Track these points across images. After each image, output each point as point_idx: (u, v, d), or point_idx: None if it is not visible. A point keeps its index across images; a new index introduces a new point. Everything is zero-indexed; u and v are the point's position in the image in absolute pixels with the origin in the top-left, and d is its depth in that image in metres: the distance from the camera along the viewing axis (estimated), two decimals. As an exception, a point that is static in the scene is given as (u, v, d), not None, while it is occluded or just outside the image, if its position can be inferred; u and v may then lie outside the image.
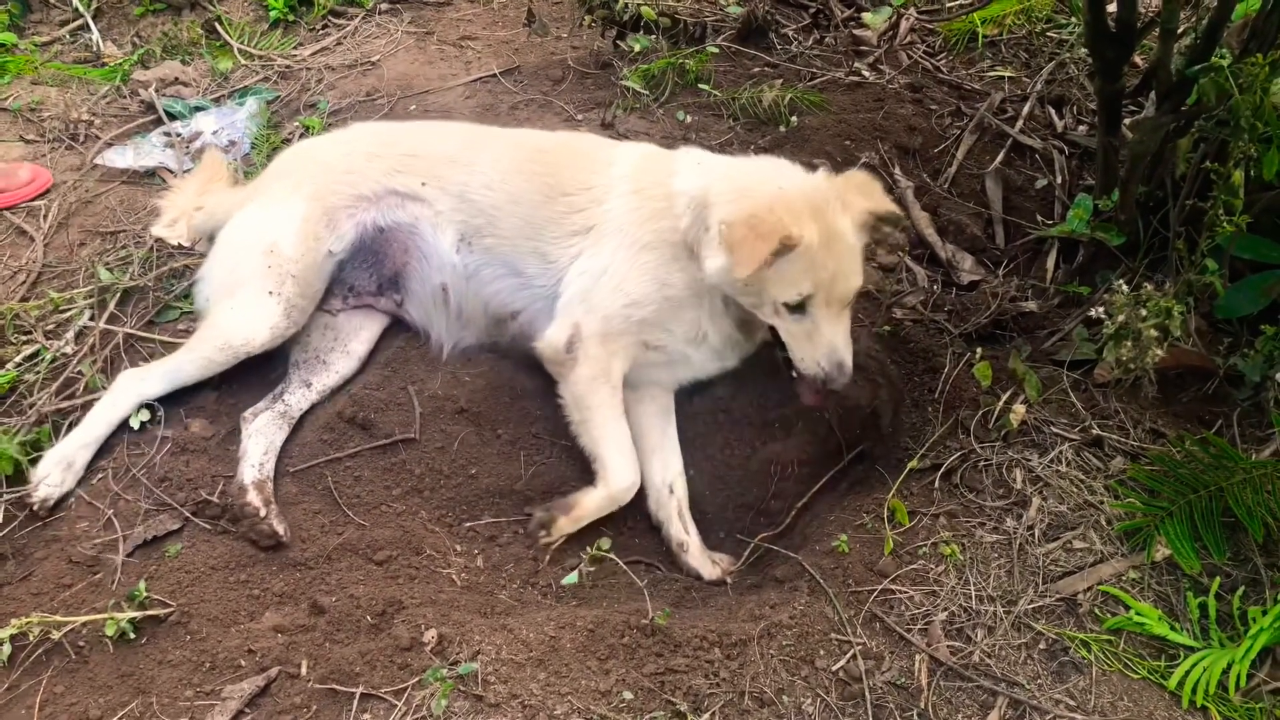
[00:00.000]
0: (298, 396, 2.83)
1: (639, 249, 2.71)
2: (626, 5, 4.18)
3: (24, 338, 2.98)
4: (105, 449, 2.71)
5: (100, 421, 2.70)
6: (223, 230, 2.94)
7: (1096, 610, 2.36)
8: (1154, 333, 2.52)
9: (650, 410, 2.86)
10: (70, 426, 2.73)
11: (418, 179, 2.91)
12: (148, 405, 2.76)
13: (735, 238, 2.43)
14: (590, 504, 2.68)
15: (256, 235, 2.84)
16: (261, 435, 2.71)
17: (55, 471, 2.60)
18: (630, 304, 2.70)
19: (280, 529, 2.53)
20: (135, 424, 2.74)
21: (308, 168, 2.98)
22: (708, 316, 2.73)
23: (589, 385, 2.70)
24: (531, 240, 2.84)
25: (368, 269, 2.96)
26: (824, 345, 2.53)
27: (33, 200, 3.54)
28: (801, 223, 2.43)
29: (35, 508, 2.55)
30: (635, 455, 2.72)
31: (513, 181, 2.87)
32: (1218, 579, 2.41)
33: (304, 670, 2.21)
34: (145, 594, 2.36)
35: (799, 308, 2.51)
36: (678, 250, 2.70)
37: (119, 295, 3.10)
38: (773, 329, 2.63)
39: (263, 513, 2.54)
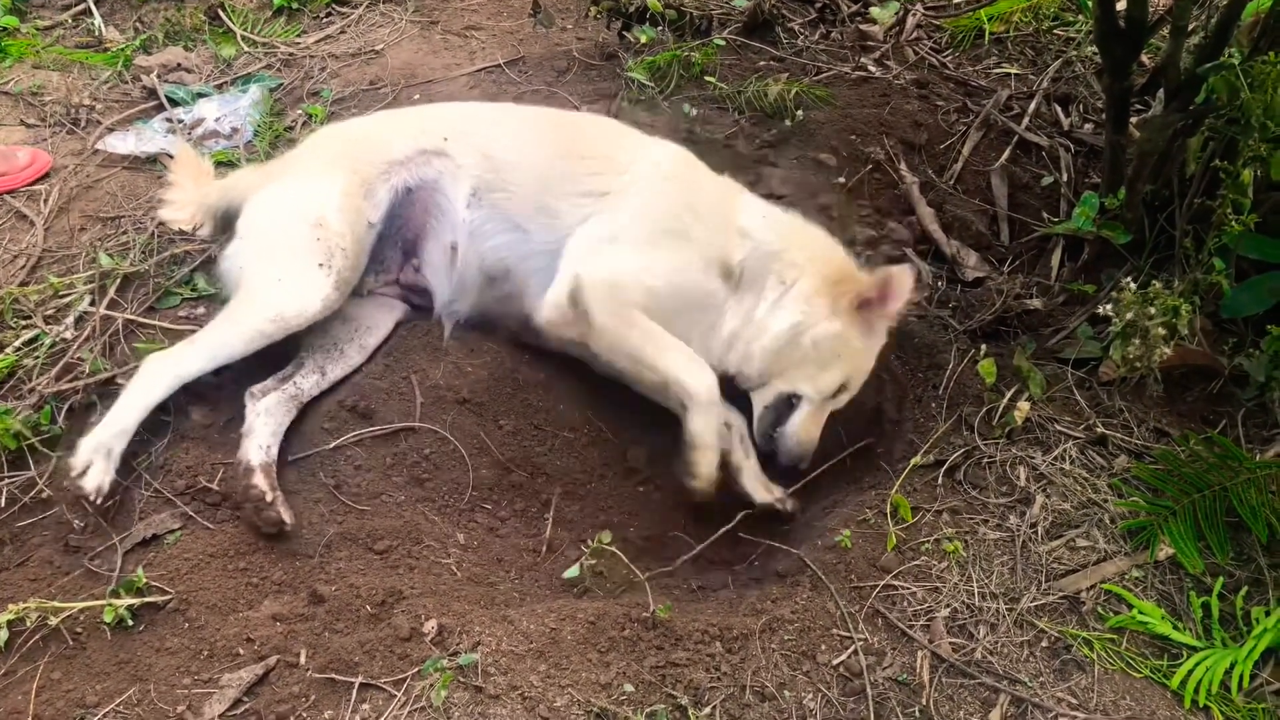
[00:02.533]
0: (310, 382, 2.80)
1: (667, 233, 2.73)
2: (632, -3, 4.16)
3: (23, 322, 2.96)
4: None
5: (134, 408, 2.59)
6: (252, 208, 2.88)
7: (1099, 609, 2.35)
8: (1161, 331, 2.51)
9: None
10: (70, 411, 2.72)
11: (442, 135, 2.93)
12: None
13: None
14: (697, 428, 2.66)
15: (300, 209, 2.79)
16: (270, 416, 2.68)
17: (97, 460, 2.51)
18: (644, 269, 2.71)
19: (286, 516, 2.48)
20: None
21: (342, 143, 2.99)
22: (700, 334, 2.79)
23: (615, 319, 2.69)
24: (540, 195, 2.83)
25: (395, 239, 2.95)
26: (815, 431, 2.79)
27: (32, 184, 3.52)
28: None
29: (90, 498, 2.48)
30: (698, 356, 2.72)
31: (532, 139, 2.91)
32: (1221, 579, 2.40)
33: (303, 659, 2.20)
34: (143, 581, 2.34)
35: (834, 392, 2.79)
36: (713, 263, 2.76)
37: (119, 281, 3.09)
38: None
39: (269, 497, 2.48)
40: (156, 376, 2.64)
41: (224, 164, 3.54)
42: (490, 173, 2.88)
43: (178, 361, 2.66)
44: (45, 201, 3.42)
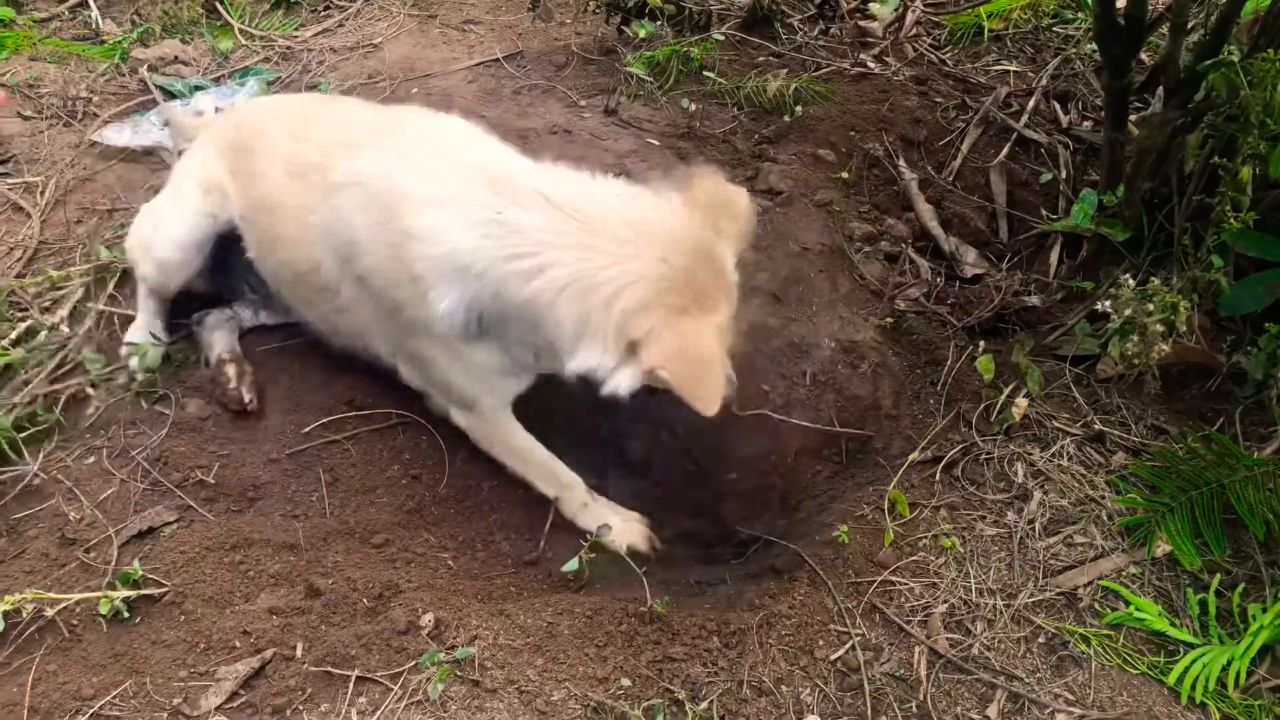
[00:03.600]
0: (248, 314, 3.00)
1: None
2: (632, -8, 4.16)
3: (20, 313, 2.96)
4: (102, 427, 2.69)
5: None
6: None
7: (1096, 605, 2.35)
8: (1159, 327, 2.51)
9: None
10: (68, 403, 2.71)
11: None
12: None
13: (684, 379, 2.05)
14: (587, 523, 2.67)
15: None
16: (222, 329, 2.91)
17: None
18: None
19: (248, 397, 2.73)
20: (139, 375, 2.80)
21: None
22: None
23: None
24: None
25: None
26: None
27: None
28: (714, 302, 2.13)
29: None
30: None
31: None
32: (1218, 576, 2.40)
33: (299, 652, 2.19)
34: (139, 573, 2.33)
35: None
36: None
37: (119, 275, 3.08)
38: None
39: (234, 382, 2.74)
40: None
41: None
42: None
43: None
44: (42, 194, 3.41)
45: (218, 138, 2.89)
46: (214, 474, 2.60)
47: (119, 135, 3.70)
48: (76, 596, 2.28)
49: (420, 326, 2.35)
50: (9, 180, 3.46)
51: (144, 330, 2.90)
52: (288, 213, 2.53)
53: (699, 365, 2.05)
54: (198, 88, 3.98)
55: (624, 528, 2.66)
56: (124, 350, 2.84)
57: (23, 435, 2.63)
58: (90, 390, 2.78)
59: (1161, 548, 2.45)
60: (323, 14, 4.54)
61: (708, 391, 2.04)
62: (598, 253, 2.07)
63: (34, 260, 3.17)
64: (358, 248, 2.35)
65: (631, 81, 3.92)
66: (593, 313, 2.07)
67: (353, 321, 2.57)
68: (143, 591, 2.31)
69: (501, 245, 2.13)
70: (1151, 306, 2.53)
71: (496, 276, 2.15)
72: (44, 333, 2.90)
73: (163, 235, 2.81)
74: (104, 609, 2.25)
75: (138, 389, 2.77)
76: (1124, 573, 2.42)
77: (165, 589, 2.33)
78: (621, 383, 2.10)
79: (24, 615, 2.24)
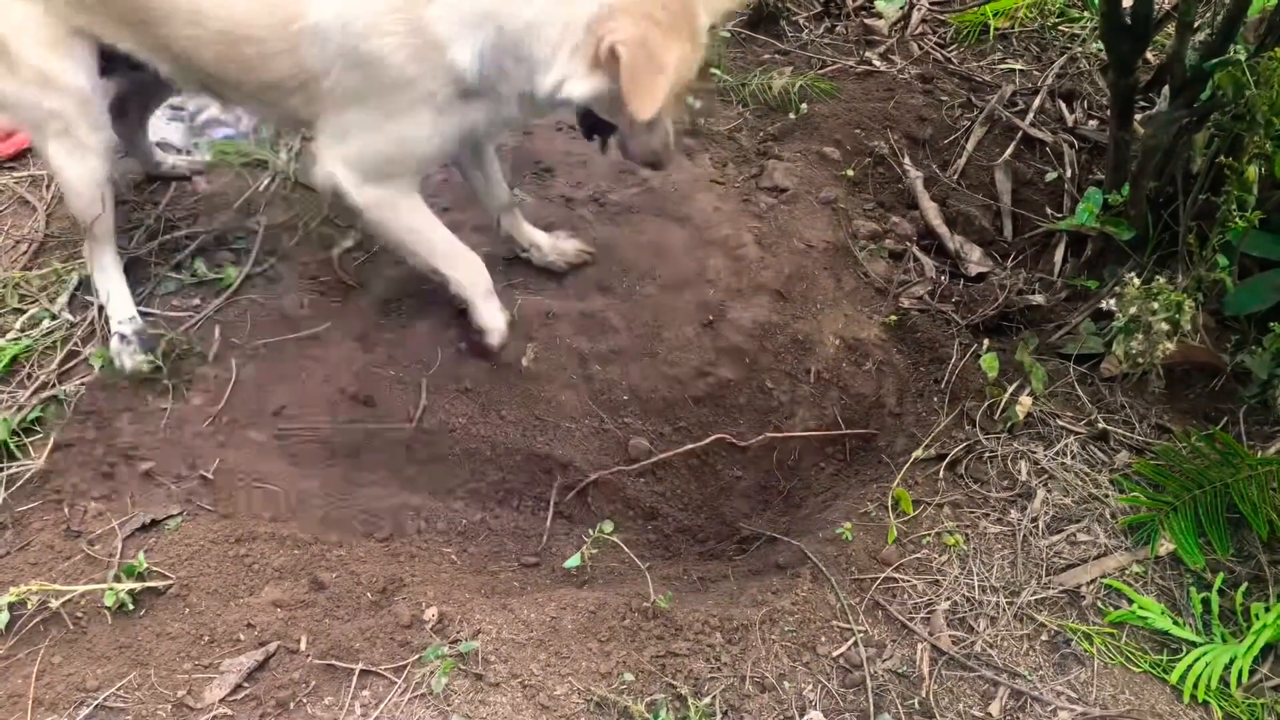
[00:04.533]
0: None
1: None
2: (637, -12, 4.15)
3: (29, 304, 2.96)
4: (103, 420, 2.70)
5: None
6: None
7: (1099, 603, 2.35)
8: (1164, 326, 2.51)
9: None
10: (69, 397, 2.72)
11: None
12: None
13: (635, 67, 2.14)
14: (486, 320, 2.82)
15: None
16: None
17: None
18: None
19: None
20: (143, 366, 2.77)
21: None
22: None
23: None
24: None
25: None
26: (660, 132, 2.50)
27: (16, 156, 3.51)
28: (681, 35, 2.22)
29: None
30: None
31: None
32: (1221, 575, 2.40)
33: (303, 645, 2.20)
34: (144, 566, 2.34)
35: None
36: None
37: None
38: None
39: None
40: None
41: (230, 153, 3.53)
42: None
43: None
44: (47, 188, 3.41)
45: None
46: (217, 466, 2.60)
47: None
48: (81, 588, 2.28)
49: (414, 98, 2.40)
50: (16, 174, 3.46)
51: (123, 308, 2.88)
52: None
53: (651, 62, 2.14)
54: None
55: (502, 327, 2.84)
56: (113, 346, 2.83)
57: (27, 430, 2.64)
58: (93, 378, 2.78)
59: (1165, 546, 2.45)
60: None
61: (650, 91, 2.14)
62: None
63: (40, 253, 3.18)
64: (363, 38, 2.33)
65: (637, 78, 3.92)
66: (572, 20, 2.20)
67: (304, 103, 2.54)
68: (147, 584, 2.32)
69: None
70: (1156, 305, 2.53)
71: (504, 11, 2.26)
72: (46, 320, 2.90)
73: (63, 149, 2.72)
74: (109, 601, 2.26)
75: (141, 379, 2.77)
76: (1127, 571, 2.42)
77: (170, 581, 2.33)
78: (577, 87, 2.24)
79: (29, 607, 2.25)
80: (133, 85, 3.02)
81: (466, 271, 2.78)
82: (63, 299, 2.98)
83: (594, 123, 2.55)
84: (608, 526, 2.53)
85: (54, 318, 2.92)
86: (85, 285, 3.01)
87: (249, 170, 3.47)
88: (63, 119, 2.64)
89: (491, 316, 2.82)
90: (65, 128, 2.66)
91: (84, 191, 2.76)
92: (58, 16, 2.54)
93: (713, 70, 3.92)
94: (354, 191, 2.60)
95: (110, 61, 2.69)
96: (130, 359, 2.78)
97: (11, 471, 2.57)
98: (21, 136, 3.50)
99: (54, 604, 2.25)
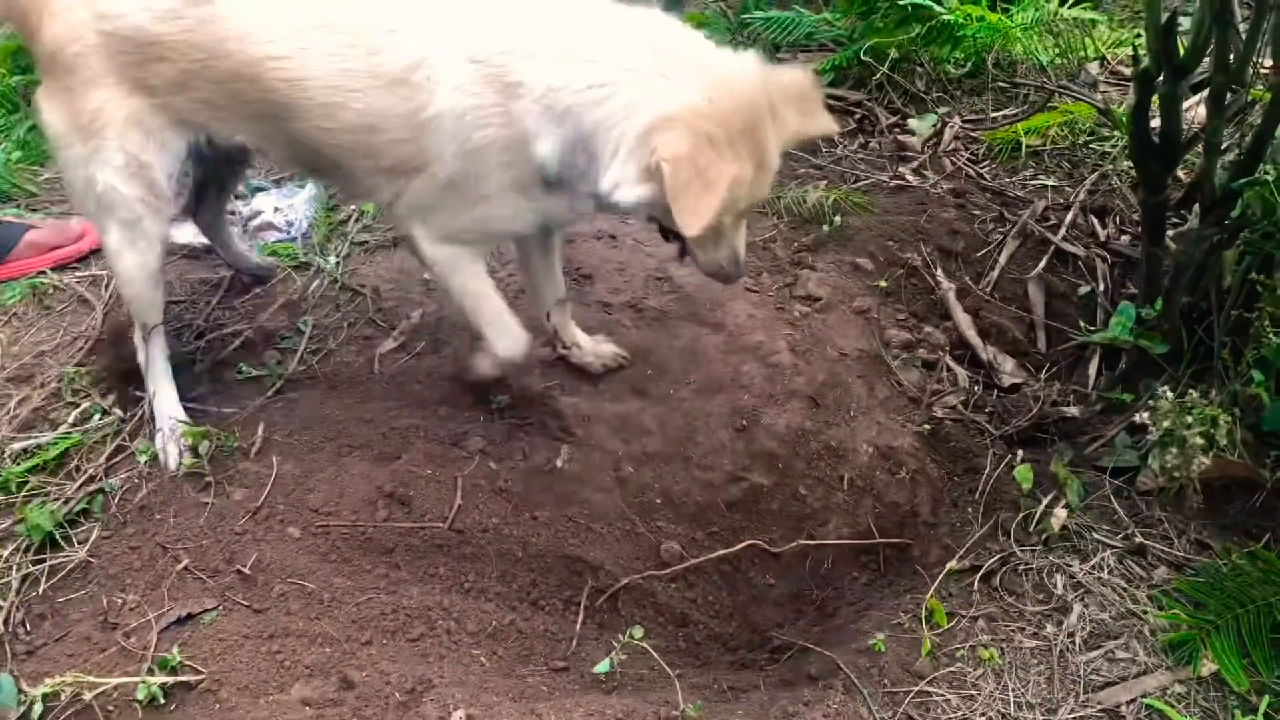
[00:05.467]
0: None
1: None
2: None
3: (83, 399, 3.06)
4: (146, 513, 2.75)
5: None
6: None
7: (1140, 724, 2.29)
8: (1199, 440, 2.50)
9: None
10: (114, 492, 2.78)
11: None
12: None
13: (679, 183, 2.12)
14: (482, 369, 2.95)
15: None
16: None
17: None
18: None
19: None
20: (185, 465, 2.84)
21: None
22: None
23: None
24: None
25: None
26: (726, 249, 2.50)
27: (85, 256, 3.65)
28: (740, 156, 2.20)
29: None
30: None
31: None
32: (1266, 698, 2.33)
33: (330, 745, 2.20)
34: (177, 659, 2.36)
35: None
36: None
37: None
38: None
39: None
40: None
41: (279, 255, 3.67)
42: None
43: None
44: (105, 287, 3.55)
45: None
46: (253, 561, 2.63)
47: (182, 233, 3.84)
48: (115, 681, 2.30)
49: (503, 184, 2.48)
50: (78, 274, 3.60)
51: (169, 405, 2.94)
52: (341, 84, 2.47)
53: (700, 179, 2.12)
54: (258, 189, 4.14)
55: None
56: (158, 441, 2.90)
57: (72, 522, 2.70)
58: (138, 472, 2.85)
59: (1207, 666, 2.39)
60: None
61: (698, 207, 2.12)
62: (661, 80, 2.22)
63: (94, 350, 3.29)
64: (474, 128, 2.40)
65: (675, 190, 4.03)
66: (629, 126, 2.21)
67: (416, 184, 2.58)
68: (179, 678, 2.33)
69: (582, 76, 2.27)
70: (1190, 419, 2.52)
71: (577, 107, 2.28)
72: (97, 416, 2.99)
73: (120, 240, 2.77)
74: (141, 695, 2.28)
75: (184, 473, 2.83)
76: (1169, 691, 2.36)
77: (202, 676, 2.35)
78: (628, 193, 2.23)
79: (62, 699, 2.27)
80: (210, 171, 3.15)
81: (504, 340, 2.83)
82: (114, 394, 3.07)
83: (665, 229, 2.58)
84: (638, 632, 2.53)
85: (105, 413, 3.01)
86: (136, 380, 3.10)
87: (297, 272, 3.59)
88: (136, 208, 2.70)
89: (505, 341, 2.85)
90: (136, 217, 2.71)
91: (137, 278, 2.82)
92: (166, 110, 2.62)
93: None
94: (426, 245, 2.68)
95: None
96: (174, 455, 2.85)
97: (54, 562, 2.62)
98: (89, 240, 3.65)
99: (87, 696, 2.27)
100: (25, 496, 2.77)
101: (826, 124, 2.45)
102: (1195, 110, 4.05)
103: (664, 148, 2.14)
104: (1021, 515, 2.77)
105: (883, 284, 3.59)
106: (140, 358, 2.99)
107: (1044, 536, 2.70)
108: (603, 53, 2.29)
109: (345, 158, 2.61)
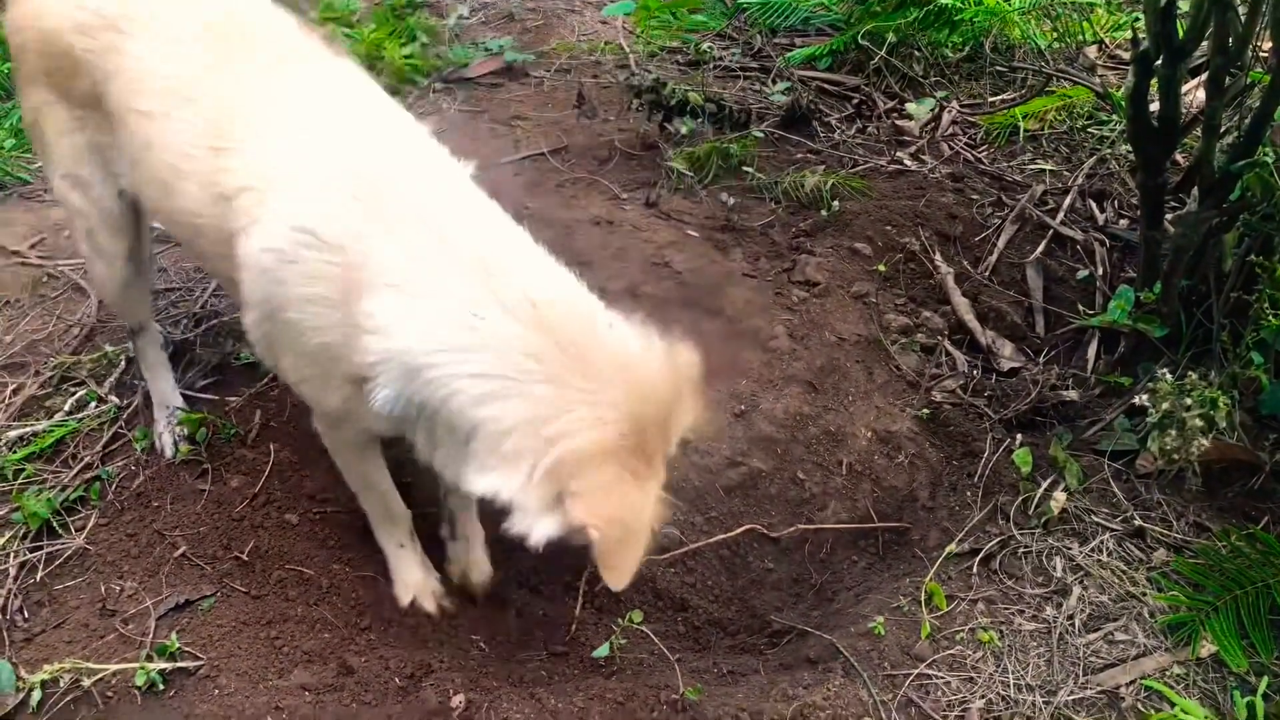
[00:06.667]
0: None
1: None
2: (674, 91, 4.28)
3: (76, 388, 3.05)
4: (144, 500, 2.74)
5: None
6: None
7: (1139, 705, 2.30)
8: (1198, 423, 2.50)
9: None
10: (111, 479, 2.77)
11: None
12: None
13: (609, 544, 1.82)
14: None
15: None
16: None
17: None
18: None
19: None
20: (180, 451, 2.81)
21: None
22: None
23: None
24: None
25: None
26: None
27: None
28: (656, 469, 1.90)
29: None
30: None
31: None
32: (1265, 678, 2.34)
33: (330, 730, 2.20)
34: (176, 646, 2.36)
35: None
36: None
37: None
38: None
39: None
40: None
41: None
42: None
43: None
44: (101, 274, 3.53)
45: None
46: (251, 548, 2.63)
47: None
48: (113, 667, 2.30)
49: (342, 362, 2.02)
50: (71, 261, 3.58)
51: (165, 393, 2.92)
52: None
53: (629, 538, 1.85)
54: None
55: (418, 583, 2.58)
56: (154, 429, 2.90)
57: (69, 509, 2.69)
58: (135, 459, 2.84)
59: (1206, 648, 2.40)
60: (376, 108, 4.71)
61: (626, 565, 1.86)
62: (570, 389, 1.81)
63: (90, 337, 3.28)
64: (291, 305, 2.02)
65: (672, 176, 4.02)
66: (534, 443, 1.80)
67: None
68: (178, 664, 2.33)
69: (465, 359, 1.84)
70: (1190, 401, 2.52)
71: (450, 388, 1.85)
72: (93, 403, 2.98)
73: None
74: (139, 680, 2.28)
75: (181, 460, 2.82)
76: (1168, 672, 2.37)
77: (200, 662, 2.34)
78: (538, 528, 1.82)
79: (61, 685, 2.27)
80: None
81: (387, 524, 2.58)
82: (110, 381, 3.06)
83: None
84: (637, 616, 2.52)
85: (101, 400, 3.00)
86: (133, 369, 3.09)
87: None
88: (90, 219, 2.58)
89: (397, 568, 2.59)
90: (90, 229, 2.61)
91: (108, 286, 2.80)
92: (87, 128, 2.44)
93: (746, 169, 4.02)
94: (314, 417, 2.36)
95: None
96: (171, 442, 2.84)
97: (52, 549, 2.62)
98: None
99: (85, 682, 2.27)
100: (22, 484, 2.76)
101: (701, 413, 2.02)
102: (1194, 93, 4.04)
103: (589, 503, 1.78)
104: (1021, 498, 2.77)
105: (881, 269, 3.58)
106: (134, 349, 2.99)
107: (1043, 519, 2.70)
108: (493, 333, 1.83)
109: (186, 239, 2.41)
